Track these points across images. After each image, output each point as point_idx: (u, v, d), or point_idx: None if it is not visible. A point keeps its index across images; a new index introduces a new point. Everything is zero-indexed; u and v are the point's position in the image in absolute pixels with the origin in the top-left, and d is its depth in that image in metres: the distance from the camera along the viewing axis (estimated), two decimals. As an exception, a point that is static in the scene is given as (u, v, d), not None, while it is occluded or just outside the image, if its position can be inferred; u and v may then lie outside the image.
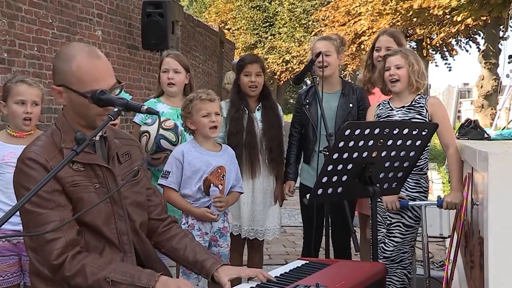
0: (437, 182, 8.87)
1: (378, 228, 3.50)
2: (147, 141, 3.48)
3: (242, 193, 3.46)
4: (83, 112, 2.04)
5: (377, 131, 2.58)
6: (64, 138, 2.04)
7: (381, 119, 3.48)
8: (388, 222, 3.48)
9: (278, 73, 26.42)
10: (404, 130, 2.68)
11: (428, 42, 19.21)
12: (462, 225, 3.28)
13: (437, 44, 20.33)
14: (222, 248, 3.27)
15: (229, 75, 9.82)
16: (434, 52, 22.43)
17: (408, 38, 20.96)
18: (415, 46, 23.65)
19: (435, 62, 22.33)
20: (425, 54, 19.68)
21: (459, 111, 19.84)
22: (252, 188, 3.81)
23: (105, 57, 2.09)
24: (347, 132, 2.49)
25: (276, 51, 26.35)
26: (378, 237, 3.46)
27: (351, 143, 2.52)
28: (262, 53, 26.72)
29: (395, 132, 2.65)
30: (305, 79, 3.81)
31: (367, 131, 2.54)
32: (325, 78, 3.60)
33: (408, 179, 3.40)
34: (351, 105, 3.75)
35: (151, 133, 3.48)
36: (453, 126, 10.87)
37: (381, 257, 3.44)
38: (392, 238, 3.45)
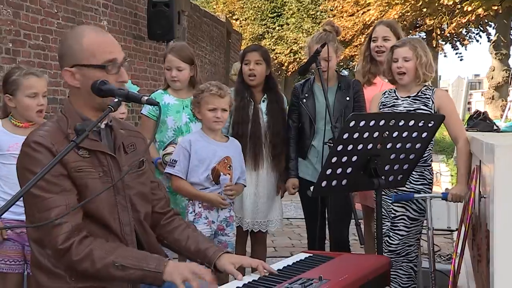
0: (445, 175, 8.79)
1: (383, 221, 3.48)
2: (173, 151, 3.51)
3: (245, 186, 3.48)
4: None
5: (382, 122, 2.54)
6: (70, 124, 2.01)
7: (386, 108, 3.45)
8: (393, 215, 3.45)
9: (286, 64, 26.32)
10: (410, 122, 2.63)
11: (438, 33, 19.07)
12: (470, 218, 3.23)
13: (448, 35, 20.19)
14: (229, 237, 3.29)
15: (236, 66, 9.77)
16: (443, 43, 22.29)
17: (418, 29, 20.84)
18: (424, 37, 23.52)
19: (444, 53, 22.18)
20: (434, 45, 19.56)
21: (469, 103, 19.72)
22: (256, 181, 3.77)
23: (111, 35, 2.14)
24: (352, 123, 2.45)
25: (284, 42, 26.25)
26: (383, 230, 3.46)
27: (356, 135, 2.48)
28: (270, 44, 26.61)
29: (400, 123, 2.61)
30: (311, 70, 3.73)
31: (372, 123, 2.50)
32: (324, 73, 3.54)
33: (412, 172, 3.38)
34: (347, 98, 3.70)
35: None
36: (462, 118, 10.78)
37: (386, 251, 3.41)
38: (396, 232, 3.42)
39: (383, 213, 3.47)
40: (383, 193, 3.45)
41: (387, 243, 3.43)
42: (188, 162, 3.19)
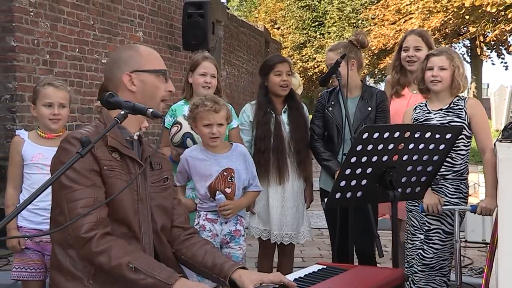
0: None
1: (415, 233, 3.44)
2: (176, 132, 3.54)
3: (259, 191, 3.39)
4: (152, 91, 2.20)
5: (397, 134, 2.51)
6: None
7: (419, 123, 3.38)
8: (427, 228, 3.37)
9: (326, 73, 26.18)
10: (426, 134, 2.59)
11: (482, 40, 18.65)
12: (500, 231, 3.16)
13: (492, 42, 19.72)
14: (233, 250, 3.22)
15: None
16: (489, 51, 21.77)
17: (461, 37, 20.42)
18: (468, 45, 23.02)
19: (491, 61, 21.68)
20: (479, 53, 19.13)
21: (517, 112, 19.09)
22: (282, 193, 3.75)
23: None
24: (365, 135, 2.43)
25: (325, 51, 26.17)
26: (415, 243, 3.43)
27: (370, 147, 2.46)
28: (311, 52, 26.61)
29: (416, 135, 2.57)
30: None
31: (386, 135, 2.48)
32: (343, 85, 3.52)
33: (447, 185, 3.35)
34: (369, 108, 3.65)
35: (183, 127, 3.51)
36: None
37: (420, 264, 3.37)
38: (431, 245, 3.35)
39: (415, 225, 3.44)
40: (415, 203, 3.41)
41: (420, 256, 3.38)
42: (186, 175, 3.22)
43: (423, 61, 3.43)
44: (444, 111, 3.34)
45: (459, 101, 3.34)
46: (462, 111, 3.31)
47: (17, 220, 3.05)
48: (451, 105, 3.34)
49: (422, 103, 3.47)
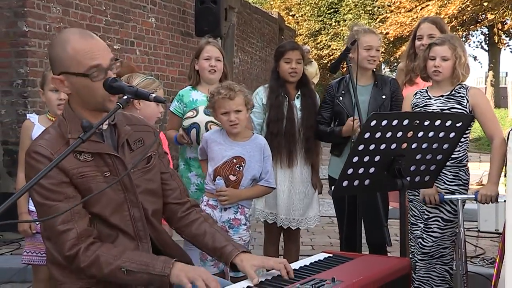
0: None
1: (416, 223, 3.43)
2: (191, 117, 3.55)
3: (268, 187, 3.27)
4: (88, 95, 2.00)
5: (406, 122, 2.47)
6: (70, 128, 2.01)
7: (418, 108, 3.37)
8: (426, 216, 3.38)
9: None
10: (436, 122, 2.55)
11: (500, 28, 18.43)
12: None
13: (511, 30, 19.48)
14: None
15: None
16: (507, 38, 21.51)
17: (479, 24, 20.16)
18: (486, 32, 22.73)
19: (510, 49, 21.43)
20: (496, 41, 18.91)
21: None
22: (290, 178, 3.77)
23: (98, 37, 2.06)
24: (373, 123, 2.40)
25: (340, 38, 25.94)
26: (416, 232, 3.43)
27: (378, 134, 2.42)
28: (326, 40, 26.41)
29: (426, 123, 2.53)
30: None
31: (395, 122, 2.44)
32: (360, 71, 3.49)
33: (446, 172, 3.32)
34: (384, 96, 3.64)
35: (198, 114, 3.54)
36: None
37: (420, 253, 3.37)
38: (430, 233, 3.35)
39: (416, 214, 3.42)
40: (416, 193, 3.40)
41: (420, 245, 3.38)
42: (206, 152, 3.24)
43: (425, 50, 3.40)
44: (445, 98, 3.33)
45: (461, 89, 3.33)
46: (464, 99, 3.30)
47: (29, 205, 3.07)
48: (453, 92, 3.33)
49: (422, 89, 3.46)
